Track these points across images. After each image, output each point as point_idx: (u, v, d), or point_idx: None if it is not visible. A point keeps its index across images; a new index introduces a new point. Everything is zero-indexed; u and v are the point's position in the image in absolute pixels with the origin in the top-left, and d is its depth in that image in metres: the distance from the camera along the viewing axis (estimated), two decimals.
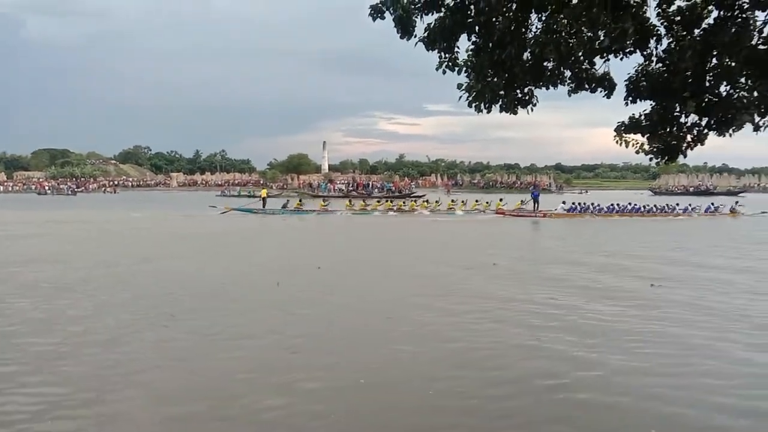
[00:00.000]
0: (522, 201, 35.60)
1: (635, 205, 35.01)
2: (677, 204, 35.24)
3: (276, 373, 6.46)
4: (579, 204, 33.75)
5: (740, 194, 64.57)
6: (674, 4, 4.81)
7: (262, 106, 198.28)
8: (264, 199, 37.53)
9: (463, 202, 37.15)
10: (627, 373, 6.43)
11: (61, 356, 6.95)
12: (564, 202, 34.37)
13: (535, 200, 34.30)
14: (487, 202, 36.54)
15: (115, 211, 35.70)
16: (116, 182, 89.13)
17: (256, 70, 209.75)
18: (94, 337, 7.65)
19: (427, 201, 38.54)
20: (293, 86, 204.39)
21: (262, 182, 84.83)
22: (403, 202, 39.88)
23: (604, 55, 4.79)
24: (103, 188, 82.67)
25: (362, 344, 7.74)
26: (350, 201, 38.95)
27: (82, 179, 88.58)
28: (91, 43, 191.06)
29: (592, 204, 33.75)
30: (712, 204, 35.92)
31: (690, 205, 35.28)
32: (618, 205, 34.14)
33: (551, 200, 39.56)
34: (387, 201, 39.39)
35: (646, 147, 5.23)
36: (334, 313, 9.16)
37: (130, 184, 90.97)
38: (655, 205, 34.97)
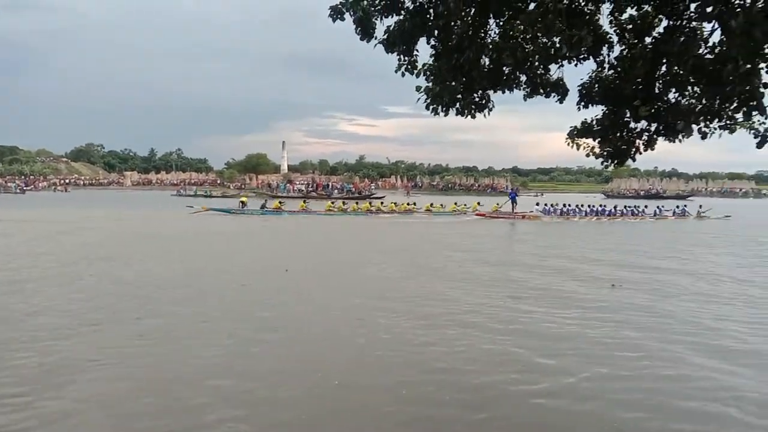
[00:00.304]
0: (498, 204, 36.63)
1: (603, 207, 36.46)
2: (646, 206, 36.93)
3: (244, 377, 6.36)
4: (553, 206, 34.90)
5: (688, 198, 67.02)
6: (626, 12, 4.96)
7: (221, 105, 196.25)
8: (243, 203, 36.57)
9: (441, 205, 37.79)
10: (595, 379, 6.53)
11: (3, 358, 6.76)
12: (538, 204, 35.72)
13: (513, 201, 35.24)
14: (465, 204, 37.25)
15: (69, 210, 34.54)
16: (67, 181, 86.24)
17: (216, 69, 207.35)
18: (46, 342, 7.41)
19: (407, 203, 38.29)
20: (253, 86, 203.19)
21: (219, 182, 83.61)
22: (381, 202, 39.66)
23: (559, 61, 4.90)
24: (54, 187, 79.87)
25: (333, 347, 7.67)
26: (332, 202, 38.15)
27: (31, 177, 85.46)
28: (43, 39, 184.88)
29: (565, 206, 35.00)
30: (678, 207, 37.71)
31: (658, 207, 36.75)
32: (590, 207, 35.59)
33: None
34: (366, 202, 38.91)
35: (597, 150, 5.38)
36: (304, 316, 9.07)
37: (82, 182, 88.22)
38: (625, 207, 36.38)
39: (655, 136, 5.16)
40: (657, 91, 4.88)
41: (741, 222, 33.09)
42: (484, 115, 5.48)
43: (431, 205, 37.70)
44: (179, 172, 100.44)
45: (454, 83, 5.16)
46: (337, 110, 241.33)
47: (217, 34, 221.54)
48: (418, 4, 4.88)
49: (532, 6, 4.65)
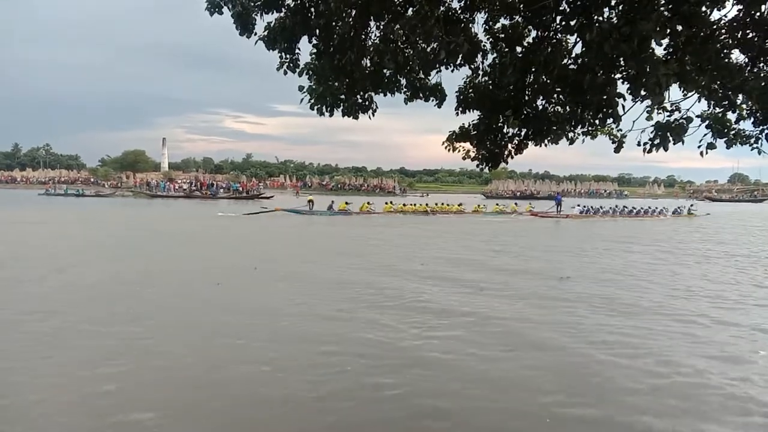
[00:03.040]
0: (530, 204, 44.02)
1: (623, 207, 42.15)
2: (657, 207, 43.30)
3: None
4: (591, 207, 40.89)
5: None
6: (499, 22, 5.20)
7: (95, 98, 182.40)
8: (311, 201, 37.46)
9: (484, 206, 42.77)
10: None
11: None
12: (579, 205, 41.88)
13: (558, 204, 40.88)
14: (504, 205, 43.11)
15: None
16: None
17: (88, 60, 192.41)
18: None
19: (457, 205, 40.99)
20: (131, 80, 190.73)
21: (93, 180, 78.07)
22: (446, 204, 41.09)
23: (437, 66, 5.04)
24: None
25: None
26: (390, 203, 39.95)
27: None
28: None
29: (601, 207, 41.19)
30: (678, 207, 44.31)
31: (663, 207, 43.09)
32: (615, 207, 41.86)
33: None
34: (423, 204, 40.69)
35: (473, 154, 5.61)
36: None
37: None
38: (642, 208, 42.00)
39: (525, 141, 5.46)
40: (527, 98, 5.17)
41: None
42: (369, 117, 5.52)
43: (478, 206, 42.30)
44: (48, 170, 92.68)
45: (336, 83, 5.16)
46: (222, 107, 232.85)
47: (87, 22, 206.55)
48: (299, 1, 4.82)
49: (411, 11, 4.74)
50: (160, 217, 31.58)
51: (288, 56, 5.12)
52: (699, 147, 4.93)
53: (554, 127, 5.02)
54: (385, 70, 5.06)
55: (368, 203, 38.51)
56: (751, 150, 5.25)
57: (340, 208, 35.65)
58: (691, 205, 45.47)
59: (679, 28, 4.05)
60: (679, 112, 4.85)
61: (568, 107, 5.10)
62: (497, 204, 42.90)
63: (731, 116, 4.79)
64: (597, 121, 4.80)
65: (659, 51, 4.28)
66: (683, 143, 4.51)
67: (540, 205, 45.75)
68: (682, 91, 4.62)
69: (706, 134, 4.90)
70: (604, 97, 4.56)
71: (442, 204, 40.46)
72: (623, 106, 4.55)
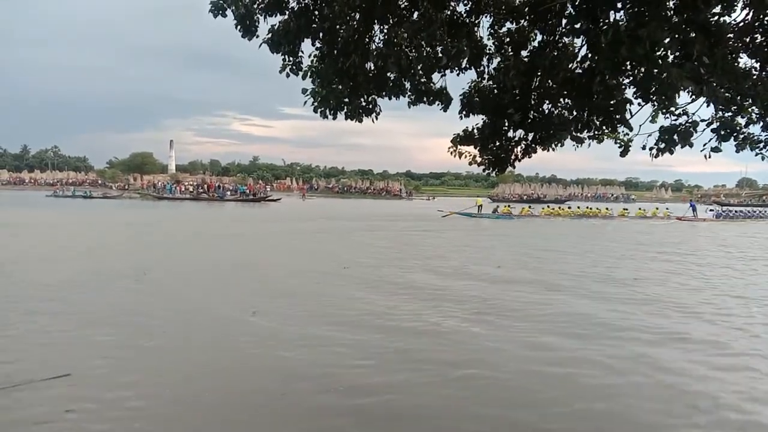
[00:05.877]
0: (666, 209, 46.30)
1: (751, 210, 47.31)
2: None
3: None
4: (721, 211, 45.56)
5: (566, 202, 71.68)
6: (504, 26, 5.17)
7: (102, 100, 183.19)
8: (480, 206, 40.34)
9: (640, 209, 46.32)
10: None
11: None
12: (712, 210, 46.83)
13: (694, 209, 44.07)
14: (666, 209, 46.14)
15: None
16: None
17: (96, 61, 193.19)
18: None
19: (626, 209, 46.39)
20: (137, 81, 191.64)
21: (100, 182, 78.45)
22: (596, 208, 45.05)
23: (441, 70, 5.01)
24: None
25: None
26: (548, 206, 44.97)
27: None
28: None
29: (731, 210, 45.96)
30: None
31: None
32: (740, 211, 46.70)
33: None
34: (577, 208, 45.21)
35: (479, 159, 5.56)
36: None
37: None
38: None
39: (532, 145, 5.41)
40: (532, 102, 5.12)
41: None
42: (372, 120, 5.49)
43: (623, 209, 46.58)
44: (56, 171, 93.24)
45: (340, 86, 5.13)
46: (230, 109, 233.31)
47: (95, 23, 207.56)
48: (303, 5, 4.79)
49: (415, 15, 4.71)
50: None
51: (291, 59, 5.10)
52: (702, 150, 4.89)
53: (561, 131, 4.97)
54: (389, 74, 5.04)
55: (529, 207, 43.38)
56: (756, 155, 5.22)
57: (502, 212, 40.28)
58: None
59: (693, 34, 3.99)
60: (687, 116, 4.81)
61: (574, 111, 5.05)
62: (640, 209, 45.76)
63: (741, 120, 4.74)
64: (604, 126, 4.74)
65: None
66: (691, 146, 4.46)
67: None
68: (690, 96, 4.56)
69: (711, 138, 4.86)
70: (612, 101, 4.51)
71: (595, 209, 44.41)
72: (630, 111, 4.50)
